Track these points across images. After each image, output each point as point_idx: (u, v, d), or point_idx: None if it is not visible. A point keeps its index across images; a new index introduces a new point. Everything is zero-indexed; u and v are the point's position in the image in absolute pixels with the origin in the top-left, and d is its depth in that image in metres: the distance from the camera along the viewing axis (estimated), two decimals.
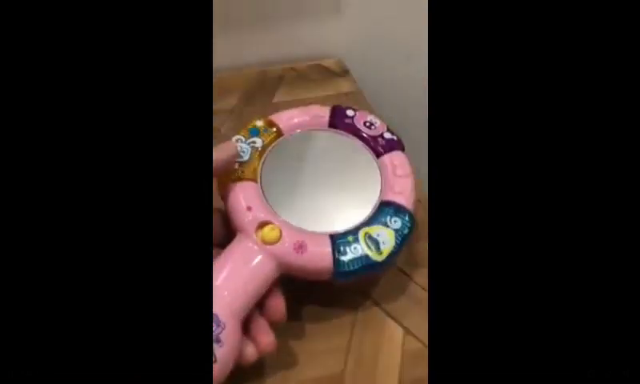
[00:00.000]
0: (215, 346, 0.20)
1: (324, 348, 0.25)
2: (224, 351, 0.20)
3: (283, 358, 0.24)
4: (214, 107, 0.39)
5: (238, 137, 0.28)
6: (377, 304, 0.27)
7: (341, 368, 0.24)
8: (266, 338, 0.22)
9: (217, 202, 0.27)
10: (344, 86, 0.43)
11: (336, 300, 0.27)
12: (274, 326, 0.23)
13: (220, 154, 0.24)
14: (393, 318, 0.26)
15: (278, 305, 0.23)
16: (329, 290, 0.26)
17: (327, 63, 0.45)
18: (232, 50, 0.43)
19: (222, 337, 0.20)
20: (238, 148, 0.27)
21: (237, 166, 0.26)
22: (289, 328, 0.25)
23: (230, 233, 0.25)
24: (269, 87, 0.42)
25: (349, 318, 0.26)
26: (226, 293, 0.22)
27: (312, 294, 0.26)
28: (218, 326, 0.20)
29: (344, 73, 0.44)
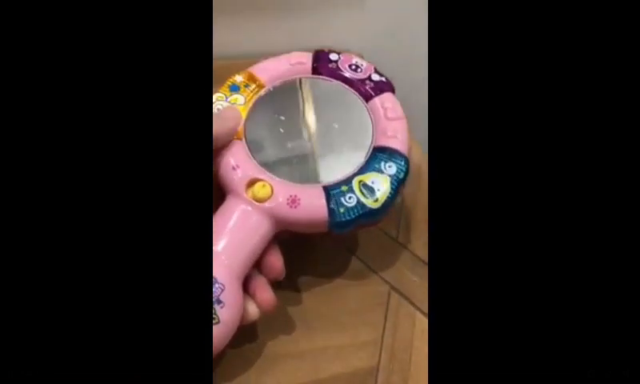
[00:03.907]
0: (216, 306, 0.20)
1: (355, 342, 0.24)
2: (226, 311, 0.20)
3: (314, 352, 0.24)
4: None
5: (218, 95, 0.26)
6: (406, 298, 0.26)
7: (374, 362, 0.24)
8: (266, 294, 0.22)
9: None
10: None
11: (367, 294, 0.26)
12: (273, 282, 0.23)
13: (221, 124, 0.23)
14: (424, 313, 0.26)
15: (275, 262, 0.23)
16: (358, 285, 0.26)
17: None
18: (250, 37, 0.40)
19: (223, 297, 0.20)
20: (220, 106, 0.26)
21: None
22: (317, 322, 0.24)
23: (219, 195, 0.24)
24: None
25: (380, 312, 0.25)
26: (223, 256, 0.21)
27: (340, 286, 0.26)
28: (217, 287, 0.20)
29: None
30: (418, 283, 0.27)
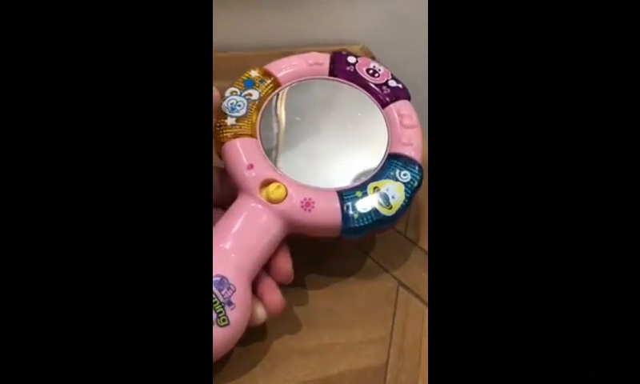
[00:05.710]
0: (227, 308, 0.19)
1: (363, 339, 0.24)
2: (236, 314, 0.20)
3: (322, 349, 0.23)
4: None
5: (232, 89, 0.26)
6: (415, 294, 0.26)
7: (383, 360, 0.23)
8: (274, 296, 0.22)
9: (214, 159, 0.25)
10: None
11: (375, 290, 0.26)
12: (281, 285, 0.23)
13: None
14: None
15: (284, 264, 0.23)
16: (366, 281, 0.26)
17: (352, 49, 0.42)
18: (254, 29, 0.40)
19: (234, 299, 0.20)
20: (234, 101, 0.25)
21: (234, 121, 0.25)
22: (324, 319, 0.24)
23: (229, 192, 0.23)
24: None
25: (388, 309, 0.25)
26: (233, 255, 0.21)
27: (347, 283, 0.26)
28: (229, 289, 0.20)
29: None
30: (426, 279, 0.26)
